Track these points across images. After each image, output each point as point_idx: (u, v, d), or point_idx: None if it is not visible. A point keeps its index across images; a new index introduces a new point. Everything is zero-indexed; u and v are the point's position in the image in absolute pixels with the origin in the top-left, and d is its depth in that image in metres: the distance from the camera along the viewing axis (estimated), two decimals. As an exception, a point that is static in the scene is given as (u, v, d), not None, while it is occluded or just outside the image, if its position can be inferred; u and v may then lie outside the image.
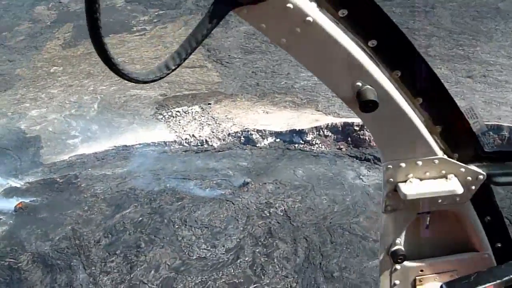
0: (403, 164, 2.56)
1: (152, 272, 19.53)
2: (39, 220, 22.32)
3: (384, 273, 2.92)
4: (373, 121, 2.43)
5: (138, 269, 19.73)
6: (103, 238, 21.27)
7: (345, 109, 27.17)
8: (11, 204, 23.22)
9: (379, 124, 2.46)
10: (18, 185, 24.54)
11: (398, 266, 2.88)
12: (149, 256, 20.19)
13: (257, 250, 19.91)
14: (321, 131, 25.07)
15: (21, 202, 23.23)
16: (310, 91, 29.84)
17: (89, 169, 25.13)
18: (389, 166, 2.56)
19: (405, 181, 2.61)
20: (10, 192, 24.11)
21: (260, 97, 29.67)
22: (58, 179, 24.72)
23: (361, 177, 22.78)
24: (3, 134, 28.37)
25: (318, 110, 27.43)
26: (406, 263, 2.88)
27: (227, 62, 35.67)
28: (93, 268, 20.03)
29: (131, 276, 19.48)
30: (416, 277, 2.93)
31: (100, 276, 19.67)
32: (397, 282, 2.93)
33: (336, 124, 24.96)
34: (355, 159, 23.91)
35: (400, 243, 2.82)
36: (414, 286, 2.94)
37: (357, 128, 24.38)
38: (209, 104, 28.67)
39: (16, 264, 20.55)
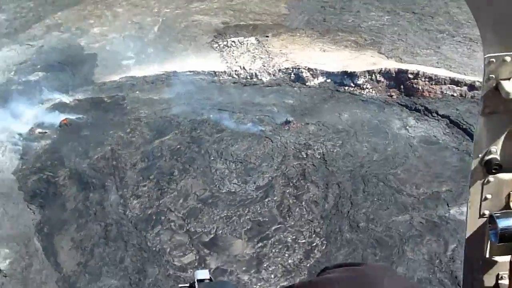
0: (508, 59, 2.20)
1: (181, 201, 19.66)
2: (81, 138, 22.78)
3: (475, 184, 2.59)
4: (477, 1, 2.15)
5: (168, 196, 19.90)
6: (139, 162, 21.51)
7: (409, 54, 25.97)
8: (57, 119, 23.75)
9: (484, 7, 2.14)
10: (67, 101, 24.99)
11: (491, 178, 2.54)
12: (180, 184, 20.30)
13: (287, 191, 19.62)
14: (373, 75, 24.03)
15: (66, 118, 23.70)
16: (376, 32, 28.58)
17: (137, 92, 25.25)
18: (491, 59, 2.21)
19: (509, 79, 2.25)
20: (59, 108, 24.61)
21: (322, 34, 28.67)
22: (105, 99, 25.02)
23: (407, 127, 21.81)
24: (63, 49, 28.81)
25: (380, 53, 26.27)
26: (501, 175, 2.52)
27: (298, -6, 34.63)
28: (125, 190, 20.37)
29: (160, 202, 19.69)
30: (511, 192, 2.59)
31: (131, 199, 20.00)
32: (489, 196, 2.60)
33: (389, 70, 23.83)
34: (404, 108, 22.85)
35: (496, 152, 2.47)
36: (507, 201, 2.60)
37: (411, 76, 23.19)
38: (266, 36, 27.97)
39: (54, 178, 21.16)
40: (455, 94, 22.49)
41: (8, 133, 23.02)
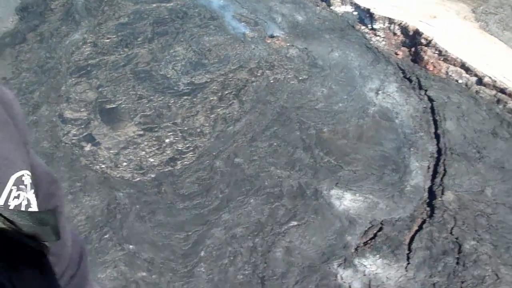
0: None
1: (120, 64, 19.90)
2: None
3: None
4: None
5: (115, 56, 20.28)
6: (125, 16, 21.98)
7: (501, 25, 22.00)
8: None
9: None
10: None
11: None
12: (133, 51, 20.48)
13: (210, 98, 18.78)
14: (392, 25, 20.87)
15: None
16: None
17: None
18: None
19: None
20: None
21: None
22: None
23: (379, 92, 18.98)
24: None
25: (473, 12, 22.60)
26: None
27: None
28: (91, 35, 21.07)
29: (104, 58, 20.15)
30: None
31: (88, 44, 20.78)
32: None
33: (408, 26, 20.46)
34: (399, 72, 19.74)
35: None
36: None
37: (423, 42, 19.75)
38: None
39: (50, 1, 22.45)
40: (460, 81, 18.93)
41: None
